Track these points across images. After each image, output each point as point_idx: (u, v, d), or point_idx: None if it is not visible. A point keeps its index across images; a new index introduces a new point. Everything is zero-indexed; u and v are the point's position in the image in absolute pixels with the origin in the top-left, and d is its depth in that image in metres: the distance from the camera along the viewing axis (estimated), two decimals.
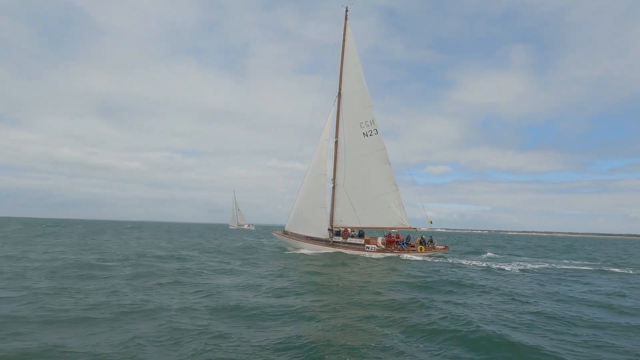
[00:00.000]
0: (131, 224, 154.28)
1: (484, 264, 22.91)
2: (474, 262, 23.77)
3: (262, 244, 35.53)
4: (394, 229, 27.78)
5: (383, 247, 26.89)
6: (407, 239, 28.50)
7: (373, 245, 26.45)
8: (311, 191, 27.35)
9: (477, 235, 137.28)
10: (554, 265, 23.78)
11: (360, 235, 27.77)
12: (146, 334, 7.30)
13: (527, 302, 11.42)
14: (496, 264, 23.25)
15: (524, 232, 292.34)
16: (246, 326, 8.15)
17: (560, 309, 10.61)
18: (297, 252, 26.57)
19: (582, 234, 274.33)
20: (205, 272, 15.72)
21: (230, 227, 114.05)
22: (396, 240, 27.70)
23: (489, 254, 32.53)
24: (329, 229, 27.77)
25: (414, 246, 27.56)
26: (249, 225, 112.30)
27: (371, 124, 27.28)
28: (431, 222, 28.18)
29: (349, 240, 27.36)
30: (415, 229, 28.42)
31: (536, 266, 22.92)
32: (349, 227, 28.08)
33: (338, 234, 28.03)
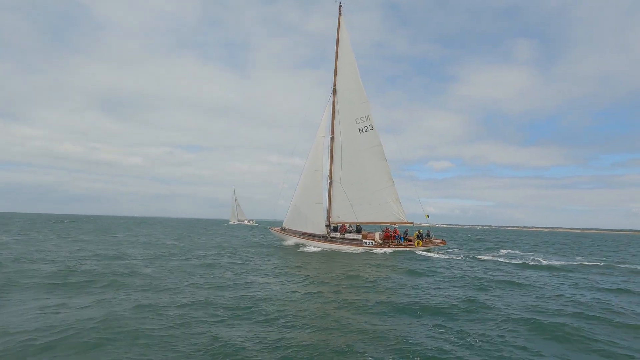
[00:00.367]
0: (134, 219, 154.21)
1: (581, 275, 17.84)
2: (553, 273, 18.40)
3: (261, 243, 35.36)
4: (392, 224, 27.92)
5: (380, 242, 27.06)
6: (404, 233, 28.68)
7: (370, 241, 26.60)
8: (308, 188, 27.51)
9: (480, 231, 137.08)
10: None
11: (358, 230, 27.92)
12: None
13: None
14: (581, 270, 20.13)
15: (525, 227, 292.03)
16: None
17: None
18: (299, 249, 26.72)
19: (583, 229, 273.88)
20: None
21: (230, 223, 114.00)
22: (394, 235, 27.87)
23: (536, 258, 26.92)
24: (326, 225, 27.92)
25: (411, 241, 27.73)
26: (249, 221, 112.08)
27: (367, 120, 27.40)
28: (428, 217, 28.38)
29: (347, 235, 27.51)
30: (412, 223, 28.57)
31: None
32: (346, 223, 28.23)
33: (336, 229, 28.18)
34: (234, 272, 15.01)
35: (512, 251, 32.00)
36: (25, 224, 57.09)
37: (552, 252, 33.09)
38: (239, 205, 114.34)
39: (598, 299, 11.71)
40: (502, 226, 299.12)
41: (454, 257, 24.41)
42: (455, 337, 7.59)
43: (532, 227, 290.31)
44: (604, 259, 27.95)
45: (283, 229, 29.52)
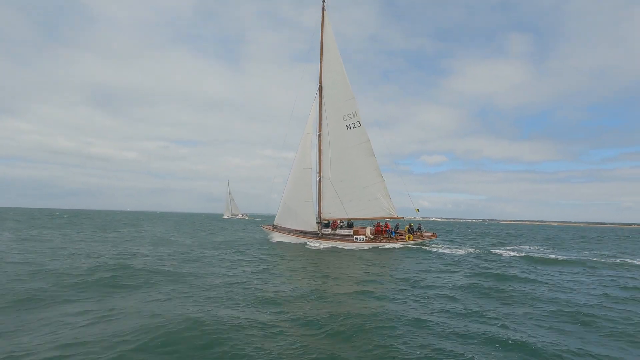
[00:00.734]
0: (130, 214, 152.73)
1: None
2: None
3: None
4: (382, 218, 28.01)
5: (372, 237, 27.12)
6: (395, 227, 28.82)
7: (362, 236, 26.65)
8: (297, 185, 27.53)
9: (475, 225, 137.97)
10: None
11: (350, 225, 27.98)
12: None
13: None
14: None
15: (518, 221, 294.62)
16: None
17: None
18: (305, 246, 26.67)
19: (575, 222, 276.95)
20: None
21: (224, 217, 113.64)
22: (385, 229, 27.98)
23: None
24: (317, 222, 27.92)
25: (402, 234, 27.86)
26: (242, 215, 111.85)
27: (354, 117, 27.41)
28: (418, 210, 28.49)
29: (338, 231, 27.55)
30: (403, 218, 28.75)
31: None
32: (337, 219, 28.25)
33: (327, 225, 28.21)
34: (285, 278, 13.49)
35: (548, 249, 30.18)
36: (28, 220, 56.44)
37: (587, 249, 31.97)
38: (233, 199, 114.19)
39: None
40: (495, 220, 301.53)
41: (470, 254, 23.31)
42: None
43: (525, 221, 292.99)
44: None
45: (274, 227, 29.49)
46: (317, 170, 28.27)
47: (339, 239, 26.79)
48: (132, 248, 21.03)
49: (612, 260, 22.72)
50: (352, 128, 27.52)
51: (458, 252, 24.36)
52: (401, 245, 26.46)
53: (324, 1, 28.63)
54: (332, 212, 28.33)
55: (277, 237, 28.60)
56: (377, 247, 25.81)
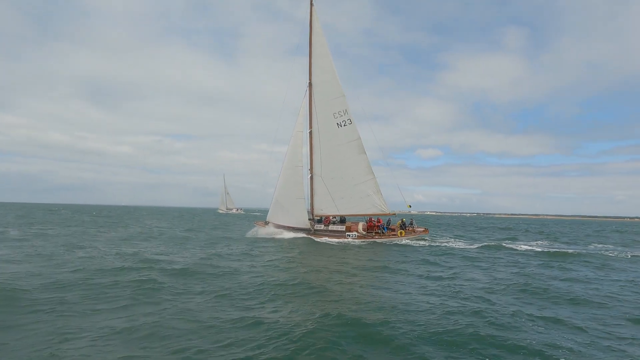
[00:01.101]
0: (127, 209, 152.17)
1: None
2: None
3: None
4: (374, 215, 28.08)
5: (364, 233, 27.20)
6: (387, 223, 28.89)
7: (354, 232, 26.72)
8: (288, 182, 27.55)
9: (471, 219, 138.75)
10: None
11: (342, 221, 28.04)
12: None
13: None
14: None
15: (512, 214, 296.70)
16: None
17: None
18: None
19: (569, 216, 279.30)
20: None
21: (219, 212, 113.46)
22: (377, 225, 28.05)
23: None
24: (310, 219, 27.95)
25: (394, 230, 27.96)
26: (237, 210, 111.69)
27: (344, 114, 27.36)
28: (410, 207, 28.59)
29: (331, 227, 27.62)
30: (395, 214, 28.85)
31: None
32: (330, 215, 28.30)
33: (320, 221, 28.25)
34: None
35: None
36: (28, 215, 56.05)
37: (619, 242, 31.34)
38: (228, 193, 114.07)
39: None
40: (489, 213, 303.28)
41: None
42: None
43: (519, 215, 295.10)
44: None
45: (267, 223, 29.48)
46: (309, 167, 28.24)
47: (331, 236, 26.87)
48: (175, 250, 19.15)
49: None
50: (342, 126, 27.46)
51: (470, 248, 23.44)
52: (410, 241, 26.38)
53: None
54: (324, 208, 28.36)
55: (266, 232, 28.57)
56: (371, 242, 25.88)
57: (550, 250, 23.42)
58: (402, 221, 28.65)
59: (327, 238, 26.57)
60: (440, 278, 13.06)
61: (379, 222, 28.38)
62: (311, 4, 28.22)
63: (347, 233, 26.82)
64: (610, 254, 22.24)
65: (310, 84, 28.25)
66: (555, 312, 9.05)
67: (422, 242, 26.62)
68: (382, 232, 27.69)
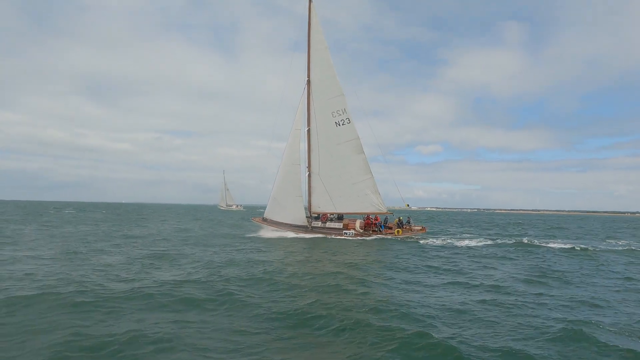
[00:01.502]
0: (127, 206, 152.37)
1: None
2: None
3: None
4: (372, 213, 28.12)
5: (361, 230, 27.24)
6: (384, 220, 28.90)
7: (351, 231, 26.75)
8: (286, 181, 27.59)
9: (473, 214, 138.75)
10: None
11: (340, 218, 28.07)
12: None
13: None
14: None
15: (512, 210, 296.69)
16: None
17: None
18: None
19: (569, 211, 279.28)
20: None
21: (219, 208, 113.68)
22: (374, 222, 28.09)
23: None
24: (307, 217, 27.99)
25: (391, 228, 27.99)
26: (237, 206, 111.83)
27: (343, 113, 27.29)
28: (408, 205, 28.66)
29: (328, 224, 27.66)
30: (392, 213, 28.88)
31: None
32: (327, 213, 28.32)
33: (317, 218, 28.29)
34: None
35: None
36: (34, 213, 56.14)
37: None
38: (228, 190, 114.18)
39: None
40: (490, 209, 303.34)
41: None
42: None
43: (520, 210, 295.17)
44: None
45: (264, 219, 29.53)
46: (307, 165, 28.23)
47: (328, 233, 26.92)
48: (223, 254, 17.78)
49: None
50: (341, 125, 27.40)
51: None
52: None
53: None
54: (321, 206, 28.41)
55: (266, 230, 28.69)
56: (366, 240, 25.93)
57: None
58: (399, 219, 28.67)
59: (324, 236, 26.61)
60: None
61: (377, 219, 28.42)
62: (310, 1, 28.04)
63: (344, 231, 26.86)
64: None
65: (308, 82, 28.13)
66: None
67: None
68: (380, 230, 27.74)
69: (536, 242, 26.00)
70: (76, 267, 13.04)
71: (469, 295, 10.53)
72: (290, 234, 27.23)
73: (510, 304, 9.45)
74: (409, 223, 29.11)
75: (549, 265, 15.96)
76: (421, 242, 24.95)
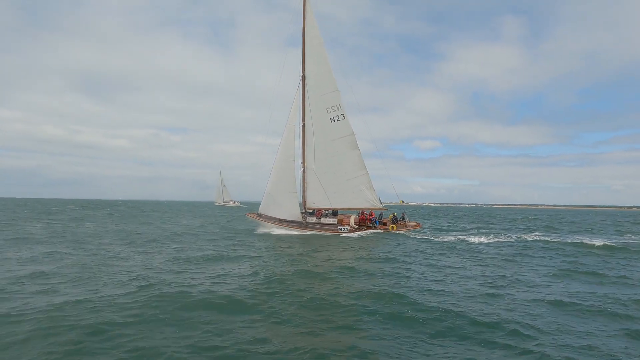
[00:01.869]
0: (125, 203, 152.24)
1: None
2: None
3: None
4: (366, 209, 28.17)
5: (356, 226, 27.30)
6: (379, 216, 28.98)
7: (346, 226, 26.81)
8: (281, 177, 27.59)
9: (474, 210, 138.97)
10: None
11: (334, 213, 28.10)
12: None
13: None
14: None
15: (510, 205, 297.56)
16: None
17: None
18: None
19: (566, 206, 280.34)
20: None
21: (216, 204, 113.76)
22: (369, 218, 28.15)
23: None
24: (302, 212, 28.00)
25: (386, 224, 28.07)
26: (234, 202, 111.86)
27: (338, 109, 27.23)
28: (403, 202, 28.71)
29: (322, 220, 27.70)
30: (387, 209, 28.95)
31: None
32: (322, 208, 28.35)
33: (312, 213, 28.33)
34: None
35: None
36: (40, 211, 56.01)
37: None
38: (224, 186, 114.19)
39: None
40: (488, 204, 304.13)
41: None
42: None
43: (517, 205, 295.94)
44: None
45: (259, 215, 29.55)
46: (302, 161, 28.20)
47: (322, 229, 26.96)
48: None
49: None
50: (336, 121, 27.35)
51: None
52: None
53: None
54: (316, 202, 28.44)
55: (260, 226, 28.72)
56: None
57: None
58: (394, 215, 28.74)
59: (318, 232, 26.66)
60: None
61: (371, 215, 28.48)
62: None
63: (339, 226, 26.91)
64: None
65: (303, 77, 27.99)
66: None
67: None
68: (374, 226, 27.81)
69: (559, 239, 24.51)
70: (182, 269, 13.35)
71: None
72: (284, 230, 27.28)
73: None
74: (404, 219, 29.21)
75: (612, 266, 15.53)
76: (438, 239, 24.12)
